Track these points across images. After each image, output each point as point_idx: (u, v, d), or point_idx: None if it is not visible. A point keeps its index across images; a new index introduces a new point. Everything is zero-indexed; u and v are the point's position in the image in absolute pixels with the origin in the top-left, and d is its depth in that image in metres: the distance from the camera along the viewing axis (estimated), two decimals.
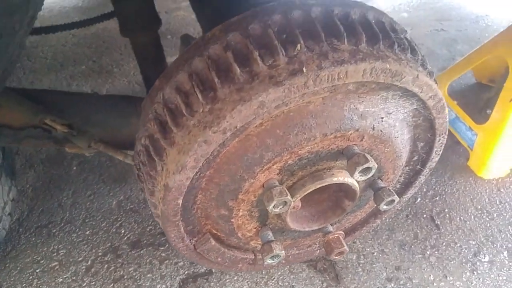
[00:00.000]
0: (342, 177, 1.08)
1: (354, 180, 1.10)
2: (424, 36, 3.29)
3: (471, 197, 2.10)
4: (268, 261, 1.13)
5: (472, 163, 2.23)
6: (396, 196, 1.12)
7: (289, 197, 0.99)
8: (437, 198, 2.09)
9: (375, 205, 1.35)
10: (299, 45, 0.88)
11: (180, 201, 1.00)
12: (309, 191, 1.06)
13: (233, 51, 0.91)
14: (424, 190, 2.13)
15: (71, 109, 1.53)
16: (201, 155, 0.92)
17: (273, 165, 1.00)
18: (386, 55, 0.93)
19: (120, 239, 1.96)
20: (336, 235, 1.23)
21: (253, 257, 1.35)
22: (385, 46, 0.95)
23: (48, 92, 1.60)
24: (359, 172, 1.00)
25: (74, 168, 2.34)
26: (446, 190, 2.14)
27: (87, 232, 1.99)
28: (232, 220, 1.10)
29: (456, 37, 3.24)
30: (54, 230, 2.01)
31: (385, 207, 1.15)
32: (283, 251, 1.12)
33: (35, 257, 1.89)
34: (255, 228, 1.17)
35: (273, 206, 0.99)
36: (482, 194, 2.11)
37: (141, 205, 2.12)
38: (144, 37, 1.66)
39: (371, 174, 1.02)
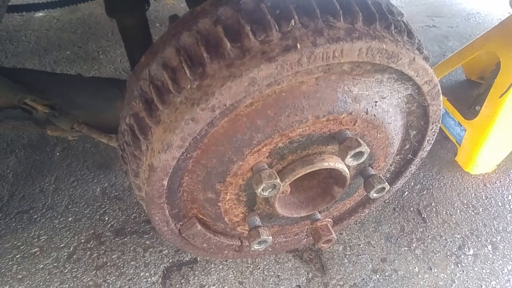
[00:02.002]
0: (333, 162, 1.05)
1: (344, 165, 1.07)
2: (416, 32, 3.29)
3: (458, 191, 2.10)
4: (255, 246, 1.10)
5: (459, 159, 2.23)
6: (386, 183, 1.10)
7: (278, 180, 0.96)
8: (424, 192, 2.09)
9: (364, 194, 1.33)
10: (293, 21, 0.85)
11: (165, 182, 0.97)
12: (299, 175, 1.03)
13: (223, 25, 0.87)
14: (412, 184, 2.13)
15: (53, 89, 1.47)
16: (188, 134, 0.88)
17: (263, 148, 0.97)
18: (383, 35, 0.91)
19: (104, 226, 1.91)
20: (324, 223, 1.20)
21: (240, 244, 1.32)
22: (381, 26, 0.93)
23: (28, 71, 1.54)
24: (351, 157, 0.97)
25: (57, 154, 2.27)
26: (434, 184, 2.14)
27: (70, 219, 1.94)
28: (219, 204, 1.07)
29: (447, 33, 3.25)
30: (36, 216, 1.95)
31: (375, 194, 1.13)
32: (270, 237, 1.10)
33: (15, 242, 1.83)
34: (242, 213, 1.14)
35: (262, 189, 0.96)
36: (469, 189, 2.12)
37: (126, 192, 2.07)
38: (131, 18, 1.61)
39: (363, 159, 1.00)
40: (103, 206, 2.00)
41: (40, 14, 3.42)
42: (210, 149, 0.97)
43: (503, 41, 2.02)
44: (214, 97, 0.84)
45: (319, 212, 1.26)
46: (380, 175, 1.13)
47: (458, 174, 2.18)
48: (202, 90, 0.85)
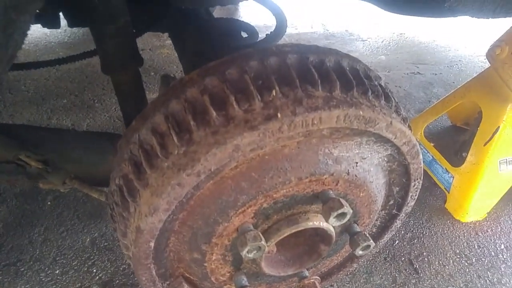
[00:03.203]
0: (317, 221, 1.07)
1: (329, 224, 1.09)
2: (401, 79, 3.41)
3: (450, 240, 2.10)
4: None
5: (449, 206, 2.25)
6: (371, 241, 1.12)
7: (263, 242, 0.97)
8: (415, 240, 2.09)
9: (350, 251, 1.34)
10: (274, 91, 0.90)
11: (152, 244, 0.98)
12: (284, 235, 1.05)
13: (209, 94, 0.92)
14: (402, 232, 2.13)
15: (46, 144, 1.50)
16: (174, 198, 0.91)
17: (247, 209, 0.99)
18: (360, 102, 0.95)
19: (91, 279, 1.89)
20: (312, 280, 1.21)
21: None
22: (358, 93, 0.98)
23: (23, 127, 1.58)
24: (334, 217, 1.00)
25: (49, 203, 2.27)
26: (424, 232, 2.14)
27: (57, 271, 1.91)
28: (205, 264, 1.08)
29: (431, 80, 3.36)
30: (22, 269, 1.92)
31: (360, 252, 1.14)
32: None
33: None
34: (229, 272, 1.15)
35: (247, 252, 0.97)
36: (460, 237, 2.12)
37: (115, 242, 2.05)
38: (125, 75, 1.67)
39: (346, 219, 1.02)
40: (91, 257, 1.98)
41: None
42: (196, 210, 0.99)
43: (483, 91, 2.10)
44: (200, 163, 0.87)
45: (307, 269, 1.26)
46: (365, 233, 1.14)
47: (448, 222, 2.19)
48: (188, 156, 0.88)
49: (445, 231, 2.15)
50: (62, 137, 1.58)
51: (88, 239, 2.07)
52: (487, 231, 2.14)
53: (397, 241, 2.08)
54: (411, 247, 2.06)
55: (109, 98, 3.09)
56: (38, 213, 2.21)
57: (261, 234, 0.99)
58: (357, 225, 1.18)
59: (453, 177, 2.21)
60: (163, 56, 3.59)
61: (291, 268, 1.20)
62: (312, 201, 1.06)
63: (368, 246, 1.12)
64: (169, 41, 3.72)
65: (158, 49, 3.65)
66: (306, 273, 1.23)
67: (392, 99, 1.07)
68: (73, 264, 1.95)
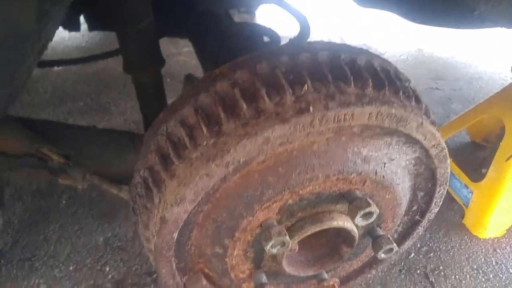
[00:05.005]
0: (342, 221, 1.06)
1: (353, 225, 1.08)
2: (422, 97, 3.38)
3: (467, 256, 2.06)
4: None
5: (467, 221, 2.21)
6: (395, 244, 1.10)
7: (287, 237, 0.96)
8: (431, 254, 2.05)
9: (371, 255, 1.32)
10: (306, 85, 0.90)
11: (175, 235, 0.97)
12: (308, 233, 1.04)
13: (240, 88, 0.92)
14: (418, 245, 2.09)
15: (68, 140, 1.52)
16: (201, 188, 0.90)
17: (273, 204, 0.98)
18: (392, 100, 0.95)
19: (104, 277, 1.88)
20: (332, 283, 1.18)
21: None
22: (390, 92, 0.97)
23: (46, 123, 1.60)
24: (360, 217, 0.98)
25: (64, 201, 2.28)
26: (441, 247, 2.10)
27: (71, 268, 1.91)
28: (226, 259, 1.06)
29: (451, 96, 3.34)
30: (37, 264, 1.92)
31: (383, 255, 1.12)
32: None
33: None
34: (249, 269, 1.13)
35: (271, 246, 0.96)
36: (478, 253, 2.07)
37: (128, 243, 2.05)
38: (146, 75, 1.69)
39: (372, 219, 1.00)
40: (105, 256, 1.98)
41: (57, 67, 3.58)
42: (221, 203, 0.99)
43: (506, 106, 2.08)
44: (229, 154, 0.87)
45: (326, 272, 1.24)
46: (388, 236, 1.13)
47: (466, 237, 2.15)
48: (218, 147, 0.88)
49: (462, 246, 2.10)
50: (83, 134, 1.59)
51: (101, 238, 2.07)
52: (506, 248, 2.10)
53: (412, 254, 2.04)
54: (427, 260, 2.02)
55: (125, 102, 3.12)
56: (53, 211, 2.22)
57: (285, 230, 0.98)
58: (380, 228, 1.17)
59: (472, 192, 2.17)
60: (180, 63, 3.62)
61: (311, 269, 1.18)
62: (337, 200, 1.05)
63: (391, 249, 1.10)
64: (186, 49, 3.75)
65: (175, 56, 3.69)
66: (325, 275, 1.21)
67: (422, 101, 1.07)
68: (87, 262, 1.95)
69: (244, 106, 0.89)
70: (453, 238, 2.14)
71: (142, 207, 1.04)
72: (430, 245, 2.10)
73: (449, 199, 2.33)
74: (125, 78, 3.28)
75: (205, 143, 0.90)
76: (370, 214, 0.99)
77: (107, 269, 1.92)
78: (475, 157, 2.49)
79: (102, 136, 1.58)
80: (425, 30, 4.23)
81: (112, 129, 1.71)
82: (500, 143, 2.06)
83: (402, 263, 1.99)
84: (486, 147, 2.57)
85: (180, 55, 3.68)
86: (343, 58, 0.98)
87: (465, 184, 2.22)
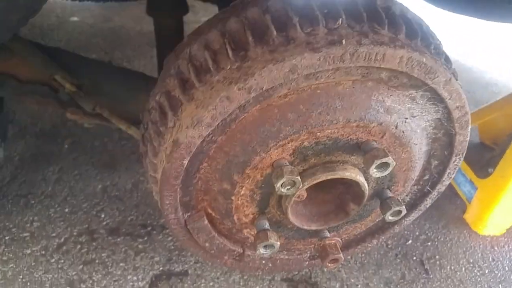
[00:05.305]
0: (354, 174, 1.03)
1: (365, 180, 1.05)
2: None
3: (464, 249, 2.04)
4: (261, 250, 1.05)
5: (468, 217, 2.19)
6: (403, 206, 1.08)
7: (299, 178, 0.94)
8: (429, 243, 2.03)
9: (377, 220, 1.30)
10: (340, 19, 0.87)
11: (185, 162, 0.95)
12: (318, 180, 1.01)
13: (272, 15, 0.89)
14: (417, 233, 2.07)
15: (83, 71, 1.50)
16: (219, 113, 0.88)
17: (288, 143, 0.96)
18: (423, 51, 0.92)
19: (99, 223, 1.86)
20: (333, 241, 1.16)
21: (241, 251, 1.27)
22: (422, 43, 0.95)
23: (62, 51, 1.57)
24: (376, 167, 0.96)
25: (66, 146, 2.26)
26: (439, 237, 2.08)
27: (66, 210, 1.89)
28: (233, 197, 1.04)
29: None
30: (33, 202, 1.91)
31: (391, 218, 1.10)
32: (278, 242, 1.06)
33: (7, 224, 1.78)
34: (252, 214, 1.11)
35: (281, 185, 0.93)
36: (476, 248, 2.05)
37: (127, 194, 2.03)
38: (169, 19, 1.66)
39: (387, 172, 0.98)
40: (101, 203, 1.96)
41: (75, 18, 3.54)
42: (236, 136, 0.96)
43: None
44: (253, 78, 0.84)
45: (328, 232, 1.22)
46: (398, 198, 1.10)
47: (465, 231, 2.13)
48: (242, 71, 0.86)
49: (461, 240, 2.08)
50: (99, 67, 1.57)
51: (100, 186, 2.05)
52: (504, 247, 2.08)
53: (410, 241, 2.02)
54: (424, 248, 2.00)
55: (138, 60, 3.09)
56: (55, 154, 2.20)
57: (297, 171, 0.96)
58: (390, 191, 1.14)
59: (476, 188, 2.15)
60: None
61: (315, 224, 1.16)
62: (353, 151, 1.02)
63: (400, 211, 1.08)
64: (204, 18, 3.70)
65: (193, 23, 3.64)
66: (328, 234, 1.19)
67: (451, 63, 1.04)
68: (83, 206, 1.93)
69: (274, 32, 0.87)
70: (452, 231, 2.12)
71: (154, 133, 1.02)
72: (429, 234, 2.08)
73: (452, 193, 2.30)
74: (141, 39, 3.26)
75: (229, 66, 0.88)
76: (386, 165, 0.96)
77: (103, 215, 1.91)
78: (482, 157, 2.47)
79: (117, 72, 1.56)
80: (443, 32, 4.19)
81: (127, 68, 1.69)
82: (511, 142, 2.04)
83: (399, 248, 1.97)
84: (494, 149, 2.55)
85: (197, 23, 3.64)
86: (379, 3, 0.95)
87: (470, 179, 2.20)
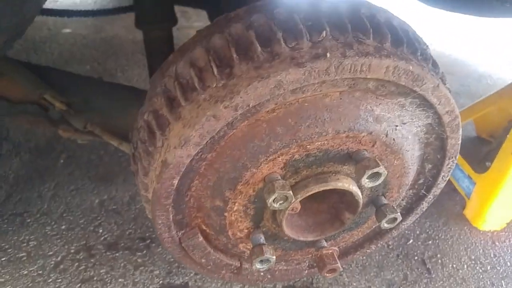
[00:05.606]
0: (347, 183, 1.02)
1: (358, 189, 1.04)
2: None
3: (465, 246, 2.03)
4: (257, 265, 1.05)
5: (468, 212, 2.18)
6: (399, 214, 1.07)
7: (291, 192, 0.93)
8: (430, 242, 2.03)
9: (373, 227, 1.29)
10: (324, 32, 0.86)
11: (175, 182, 0.94)
12: (311, 192, 1.00)
13: (255, 30, 0.88)
14: (417, 232, 2.07)
15: (72, 89, 1.49)
16: (207, 131, 0.87)
17: (278, 157, 0.95)
18: (410, 58, 0.91)
19: (97, 239, 1.85)
20: (330, 251, 1.16)
21: (239, 265, 1.26)
22: (408, 50, 0.94)
23: (51, 70, 1.56)
24: (367, 177, 0.95)
25: (62, 161, 2.25)
26: (440, 235, 2.07)
27: (63, 227, 1.88)
28: (226, 214, 1.03)
29: (459, 91, 3.30)
30: (29, 220, 1.89)
31: (386, 225, 1.09)
32: (274, 257, 1.05)
33: (3, 244, 1.77)
34: (247, 228, 1.10)
35: (273, 200, 0.92)
36: (477, 244, 2.05)
37: (124, 207, 2.02)
38: (158, 31, 1.65)
39: (379, 182, 0.97)
40: (99, 218, 1.95)
41: (67, 30, 3.53)
42: (226, 152, 0.95)
43: None
44: (239, 96, 0.83)
45: (326, 241, 1.21)
46: (393, 205, 1.09)
47: (466, 228, 2.12)
48: (228, 89, 0.85)
49: (462, 237, 2.08)
50: (88, 84, 1.56)
51: (97, 201, 2.04)
52: (505, 241, 2.07)
53: (411, 240, 2.01)
54: (425, 247, 1.99)
55: (132, 70, 3.08)
56: (50, 169, 2.19)
57: (289, 185, 0.95)
58: (385, 197, 1.13)
59: (475, 184, 2.14)
60: (190, 36, 3.58)
61: (311, 234, 1.15)
62: (345, 161, 1.01)
63: (395, 219, 1.07)
64: (197, 23, 3.71)
65: (186, 29, 3.64)
66: (325, 243, 1.18)
67: (439, 67, 1.03)
68: (80, 222, 1.92)
69: (259, 48, 0.85)
70: (452, 228, 2.11)
71: (143, 152, 1.01)
72: (429, 232, 2.07)
73: (451, 190, 2.30)
74: (134, 47, 3.23)
75: (214, 84, 0.87)
76: (377, 175, 0.95)
77: (100, 230, 1.89)
78: (479, 151, 2.46)
79: (107, 88, 1.55)
80: (437, 27, 4.19)
81: (117, 83, 1.68)
82: (507, 136, 2.03)
83: (400, 249, 1.96)
84: (491, 142, 2.54)
85: (191, 28, 3.62)
86: (363, 12, 0.94)
87: (468, 174, 2.19)
